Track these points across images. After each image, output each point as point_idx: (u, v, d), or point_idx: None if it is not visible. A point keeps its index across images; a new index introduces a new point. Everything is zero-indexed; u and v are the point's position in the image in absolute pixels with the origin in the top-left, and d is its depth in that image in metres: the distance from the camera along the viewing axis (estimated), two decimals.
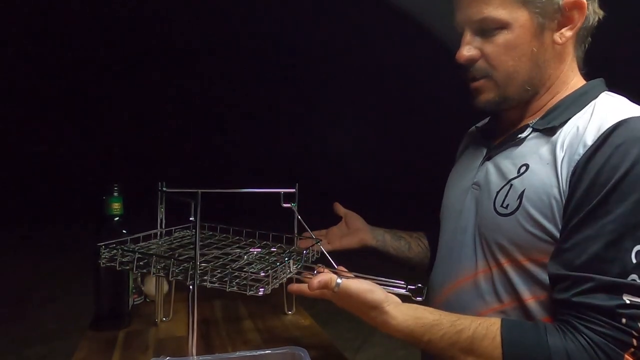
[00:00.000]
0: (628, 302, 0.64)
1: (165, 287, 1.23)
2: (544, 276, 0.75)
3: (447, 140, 1.16)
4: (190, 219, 0.80)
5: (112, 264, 0.86)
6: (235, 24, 7.73)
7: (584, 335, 0.64)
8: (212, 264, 0.84)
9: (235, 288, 0.79)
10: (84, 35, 7.75)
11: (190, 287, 0.79)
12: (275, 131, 9.37)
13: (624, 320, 0.64)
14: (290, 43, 7.84)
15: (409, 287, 0.82)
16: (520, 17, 0.77)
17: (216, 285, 0.80)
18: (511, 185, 0.80)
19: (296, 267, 0.90)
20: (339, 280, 0.75)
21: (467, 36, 0.81)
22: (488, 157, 0.89)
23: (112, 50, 8.07)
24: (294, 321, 1.18)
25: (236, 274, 0.81)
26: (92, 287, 1.10)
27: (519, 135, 0.83)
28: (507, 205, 0.79)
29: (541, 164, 0.77)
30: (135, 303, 1.23)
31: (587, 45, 0.86)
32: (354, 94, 8.67)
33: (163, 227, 1.10)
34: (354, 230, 1.11)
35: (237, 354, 0.83)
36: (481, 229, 0.85)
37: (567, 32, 0.79)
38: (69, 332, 3.10)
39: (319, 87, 8.64)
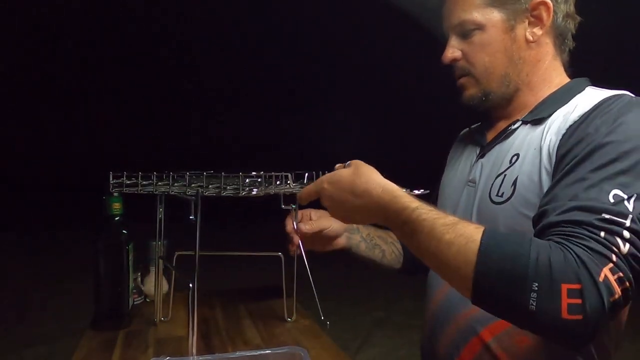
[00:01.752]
0: (606, 217, 0.63)
1: (165, 287, 1.23)
2: None
3: (447, 141, 1.16)
4: (190, 217, 0.80)
5: (119, 189, 0.93)
6: (234, 23, 7.73)
7: (565, 247, 0.61)
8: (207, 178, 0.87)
9: (230, 192, 0.81)
10: (83, 34, 7.75)
11: (190, 285, 0.79)
12: (275, 131, 9.38)
13: (602, 234, 0.62)
14: (291, 43, 7.84)
15: (414, 191, 0.84)
16: (492, 18, 0.85)
17: (212, 193, 0.82)
18: (505, 175, 0.83)
19: (297, 184, 0.90)
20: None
21: (451, 40, 0.90)
22: (481, 155, 0.93)
23: (111, 49, 8.07)
24: (294, 321, 1.18)
25: (231, 180, 0.83)
26: (92, 288, 1.10)
27: (509, 128, 0.88)
28: (502, 193, 0.82)
29: (530, 150, 0.81)
30: (135, 303, 1.23)
31: (570, 49, 0.91)
32: (354, 94, 8.67)
33: (162, 227, 1.10)
34: (331, 238, 1.11)
35: (237, 354, 0.84)
36: (479, 222, 0.85)
37: (537, 31, 0.86)
38: (69, 332, 3.10)
39: (318, 87, 8.64)
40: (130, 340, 1.05)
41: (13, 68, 7.66)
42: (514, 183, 0.80)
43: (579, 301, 0.58)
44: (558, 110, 0.82)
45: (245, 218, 6.82)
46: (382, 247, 1.15)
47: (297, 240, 1.07)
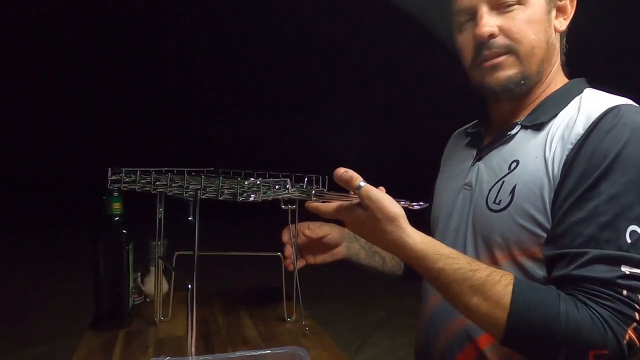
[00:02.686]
0: (627, 272, 0.64)
1: (165, 287, 1.23)
2: (538, 272, 0.76)
3: (445, 141, 1.16)
4: (189, 218, 0.80)
5: (117, 185, 0.92)
6: (233, 23, 7.73)
7: (592, 309, 0.64)
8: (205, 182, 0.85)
9: (228, 197, 0.80)
10: (84, 34, 7.75)
11: (189, 286, 0.79)
12: (275, 131, 9.37)
13: (624, 292, 0.64)
14: (290, 43, 7.85)
15: (414, 204, 0.78)
16: None
17: (210, 195, 0.82)
18: (503, 182, 0.81)
19: (295, 190, 0.88)
20: (362, 183, 0.72)
21: (484, 14, 0.80)
22: (479, 158, 0.91)
23: (110, 49, 8.07)
24: (294, 321, 1.18)
25: (229, 185, 0.82)
26: (92, 287, 1.10)
27: (508, 133, 0.85)
28: (500, 201, 0.80)
29: (531, 158, 0.79)
30: (135, 303, 1.23)
31: (565, 48, 0.89)
32: (354, 93, 8.67)
33: (162, 227, 1.10)
34: (331, 247, 1.12)
35: (237, 354, 0.84)
36: (475, 228, 0.86)
37: (563, 22, 0.84)
38: (69, 332, 3.10)
39: (318, 87, 8.64)
40: (130, 340, 1.05)
41: (13, 68, 7.67)
42: (512, 191, 0.78)
43: None
44: (560, 114, 0.80)
45: (244, 217, 6.82)
46: (382, 254, 1.14)
47: (290, 252, 1.08)
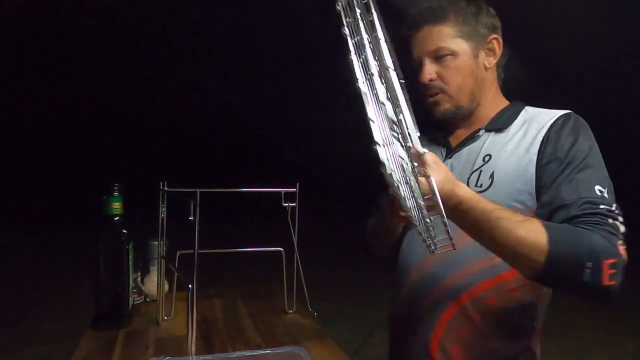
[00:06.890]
0: (607, 208, 0.87)
1: (166, 287, 1.23)
2: None
3: None
4: (190, 218, 0.80)
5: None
6: (231, 24, 7.74)
7: (599, 232, 0.84)
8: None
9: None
10: (86, 34, 7.76)
11: (190, 286, 0.79)
12: (273, 130, 9.39)
13: (610, 221, 0.86)
14: (288, 43, 7.85)
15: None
16: (463, 46, 1.03)
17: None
18: (481, 171, 1.02)
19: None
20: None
21: (426, 63, 1.05)
22: (450, 156, 1.10)
23: (112, 50, 8.08)
24: (294, 321, 1.18)
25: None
26: (92, 287, 1.10)
27: (476, 135, 1.07)
28: (481, 184, 1.00)
29: (502, 151, 1.01)
30: (135, 303, 1.23)
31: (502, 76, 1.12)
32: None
33: (164, 227, 1.10)
34: None
35: (237, 353, 0.84)
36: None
37: (492, 60, 1.07)
38: (69, 332, 3.10)
39: (316, 86, 8.65)
40: (130, 340, 1.05)
41: (15, 68, 7.68)
42: (492, 176, 0.99)
43: (615, 271, 0.81)
44: (516, 121, 1.04)
45: (243, 217, 6.82)
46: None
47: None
